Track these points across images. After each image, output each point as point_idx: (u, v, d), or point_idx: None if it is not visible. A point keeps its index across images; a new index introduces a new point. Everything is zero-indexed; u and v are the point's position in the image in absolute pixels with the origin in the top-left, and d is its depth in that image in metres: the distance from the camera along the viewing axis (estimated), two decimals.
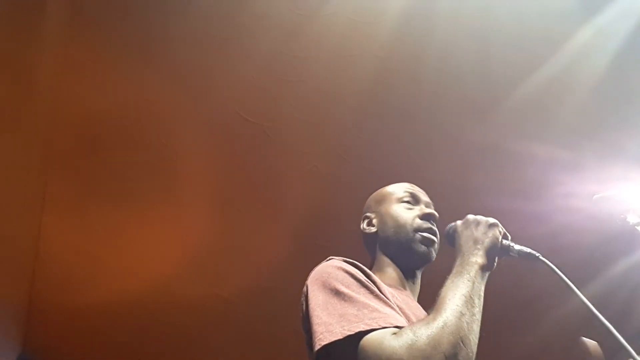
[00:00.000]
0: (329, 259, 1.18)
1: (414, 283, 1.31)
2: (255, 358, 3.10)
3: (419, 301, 1.29)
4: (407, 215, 1.33)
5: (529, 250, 1.15)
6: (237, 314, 2.92)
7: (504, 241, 1.16)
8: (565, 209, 2.51)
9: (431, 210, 1.33)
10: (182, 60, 2.17)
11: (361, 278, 1.07)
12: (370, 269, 1.23)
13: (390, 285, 1.20)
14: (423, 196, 1.40)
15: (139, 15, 2.07)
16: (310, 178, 2.49)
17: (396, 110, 2.29)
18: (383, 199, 1.42)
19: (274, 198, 2.58)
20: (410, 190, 1.40)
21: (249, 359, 3.11)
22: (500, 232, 1.17)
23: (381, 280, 1.17)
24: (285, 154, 2.43)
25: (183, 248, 2.72)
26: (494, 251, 1.13)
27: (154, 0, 2.05)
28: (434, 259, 1.30)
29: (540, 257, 1.14)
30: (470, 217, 1.21)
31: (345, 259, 1.16)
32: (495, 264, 1.14)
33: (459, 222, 1.22)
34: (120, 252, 2.72)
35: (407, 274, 1.30)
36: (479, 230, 1.16)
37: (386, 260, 1.33)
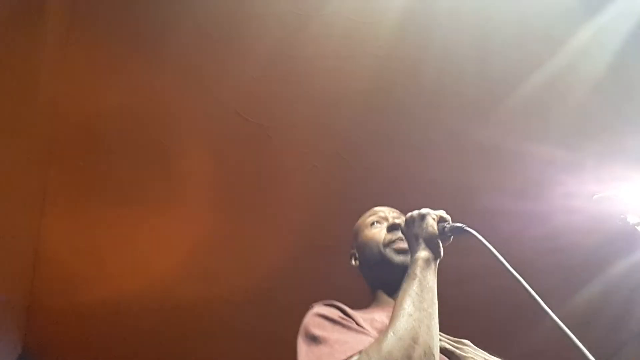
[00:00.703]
0: (311, 307, 1.21)
1: None
2: (255, 358, 3.10)
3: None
4: (376, 234, 1.36)
5: (456, 224, 1.18)
6: (237, 314, 2.92)
7: (439, 224, 1.19)
8: (565, 209, 2.50)
9: (397, 221, 1.34)
10: (182, 60, 2.17)
11: (335, 317, 1.10)
12: (371, 301, 1.30)
13: (383, 309, 1.23)
14: (389, 213, 1.42)
15: (139, 15, 2.07)
16: (310, 178, 2.49)
17: (396, 110, 2.29)
18: (357, 232, 1.46)
19: (274, 198, 2.58)
20: (375, 213, 1.43)
21: (249, 359, 3.11)
22: (434, 219, 1.20)
23: (379, 306, 1.24)
24: (285, 154, 2.43)
25: (183, 248, 2.72)
26: (433, 238, 1.17)
27: (154, 0, 2.05)
28: None
29: (465, 228, 1.16)
30: (407, 215, 1.25)
31: (325, 301, 1.19)
32: (440, 250, 1.17)
33: (402, 226, 1.28)
34: (120, 252, 2.72)
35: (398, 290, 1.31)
36: (416, 225, 1.20)
37: (375, 285, 1.36)
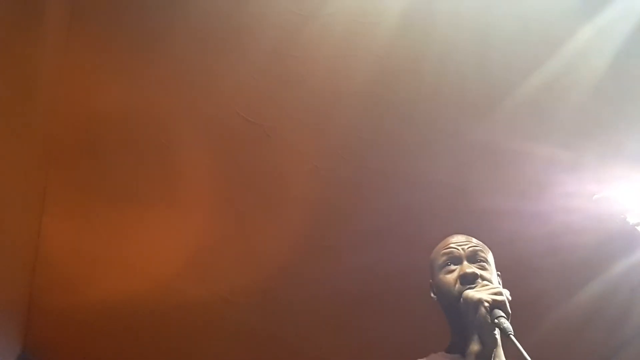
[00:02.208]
0: None
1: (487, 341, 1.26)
2: (255, 358, 3.10)
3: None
4: (449, 282, 1.32)
5: (506, 327, 1.15)
6: (237, 314, 2.92)
7: (493, 315, 1.17)
8: (565, 209, 2.50)
9: (467, 270, 1.30)
10: (182, 60, 2.17)
11: None
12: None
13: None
14: (462, 250, 1.36)
15: (139, 15, 2.07)
16: (310, 178, 2.49)
17: (396, 110, 2.29)
18: (431, 267, 1.42)
19: (274, 198, 2.58)
20: (447, 251, 1.38)
21: (249, 359, 3.11)
22: (486, 308, 1.18)
23: (451, 350, 1.25)
24: (285, 154, 2.43)
25: (183, 248, 2.72)
26: (487, 330, 1.16)
27: (154, 0, 2.05)
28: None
29: (511, 336, 1.14)
30: (462, 301, 1.23)
31: None
32: (497, 339, 1.17)
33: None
34: (121, 252, 2.73)
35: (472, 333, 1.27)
36: (470, 314, 1.19)
37: (453, 325, 1.34)
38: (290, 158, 2.44)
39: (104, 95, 2.26)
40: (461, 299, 1.24)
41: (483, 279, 1.29)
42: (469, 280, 1.28)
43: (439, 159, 2.43)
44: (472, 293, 1.22)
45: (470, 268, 1.30)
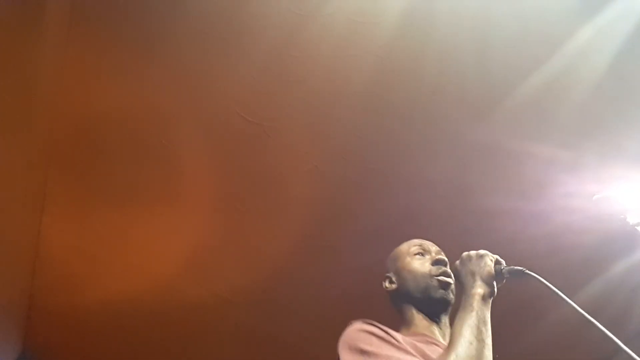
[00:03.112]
0: (351, 324, 1.29)
1: (441, 328, 1.39)
2: (255, 358, 3.10)
3: None
4: (420, 264, 1.44)
5: (516, 268, 1.27)
6: (237, 314, 2.92)
7: (496, 266, 1.29)
8: (565, 209, 2.50)
9: (440, 256, 1.44)
10: (182, 60, 2.17)
11: (380, 334, 1.20)
12: (399, 326, 1.39)
13: (416, 334, 1.33)
14: (432, 246, 1.51)
15: (139, 15, 2.07)
16: (311, 178, 2.49)
17: (396, 110, 2.29)
18: (397, 257, 1.52)
19: (274, 198, 2.58)
20: (419, 244, 1.51)
21: (249, 359, 3.11)
22: (491, 260, 1.30)
23: (411, 331, 1.35)
24: (285, 154, 2.43)
25: (183, 248, 2.72)
26: (490, 278, 1.27)
27: (154, 0, 2.05)
28: (453, 301, 1.40)
29: (526, 271, 1.26)
30: (464, 254, 1.36)
31: (365, 320, 1.28)
32: (495, 289, 1.27)
33: (456, 262, 1.37)
34: (121, 252, 2.73)
35: (434, 319, 1.40)
36: (473, 264, 1.30)
37: (411, 312, 1.43)
38: (290, 158, 2.45)
39: (104, 95, 2.26)
40: (462, 256, 1.36)
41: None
42: (442, 263, 1.41)
43: (439, 159, 2.43)
44: (474, 251, 1.34)
45: (441, 255, 1.46)
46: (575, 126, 2.31)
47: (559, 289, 1.21)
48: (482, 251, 1.33)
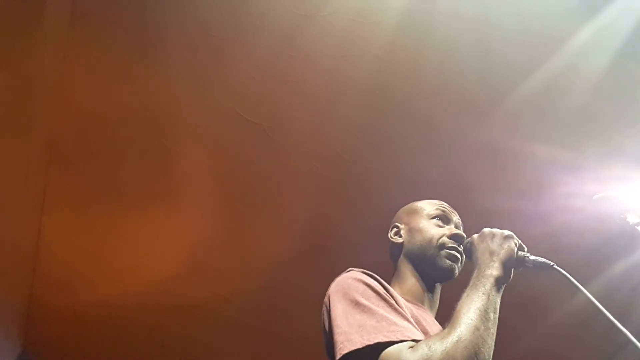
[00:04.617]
0: (349, 270, 1.20)
1: (432, 297, 1.33)
2: (255, 358, 3.10)
3: (437, 318, 1.31)
4: (436, 231, 1.35)
5: (543, 260, 1.18)
6: (237, 314, 2.92)
7: (520, 252, 1.19)
8: (565, 209, 2.50)
9: (459, 231, 1.35)
10: (182, 60, 2.17)
11: (380, 291, 1.10)
12: (391, 278, 1.30)
13: (407, 301, 1.23)
14: (454, 216, 1.42)
15: (139, 15, 2.07)
16: (310, 178, 2.49)
17: (396, 110, 2.29)
18: (414, 212, 1.44)
19: (274, 198, 2.58)
20: (442, 208, 1.42)
21: (249, 359, 3.11)
22: (515, 244, 1.19)
23: (400, 293, 1.24)
24: (285, 154, 2.43)
25: (183, 248, 2.72)
26: (510, 263, 1.16)
27: (153, 0, 2.05)
28: (455, 276, 1.32)
29: (555, 267, 1.16)
30: (486, 230, 1.24)
31: (364, 270, 1.18)
32: (511, 275, 1.16)
33: (475, 236, 1.26)
34: (121, 252, 2.73)
35: (428, 287, 1.33)
36: (495, 243, 1.19)
37: (408, 271, 1.36)
38: (290, 158, 2.45)
39: (104, 96, 2.26)
40: (483, 231, 1.25)
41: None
42: (459, 240, 1.32)
43: (439, 159, 2.43)
44: (499, 229, 1.24)
45: (461, 232, 1.36)
46: (575, 126, 2.31)
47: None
48: (507, 232, 1.22)
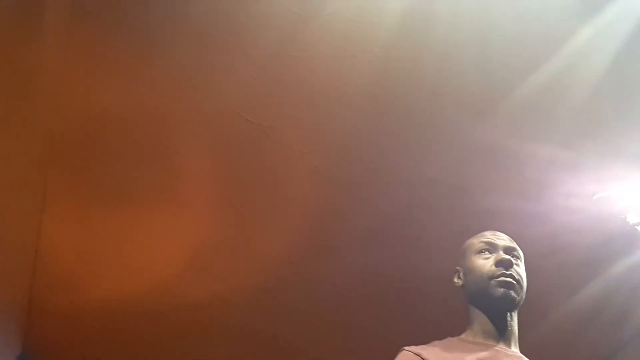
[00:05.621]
0: (402, 350, 1.28)
1: (507, 329, 1.35)
2: (255, 358, 3.10)
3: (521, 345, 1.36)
4: (483, 264, 1.38)
5: None
6: (237, 314, 2.92)
7: None
8: (565, 209, 2.50)
9: (504, 256, 1.37)
10: (182, 60, 2.17)
11: None
12: (467, 325, 1.35)
13: (477, 343, 1.28)
14: (501, 242, 1.44)
15: (140, 15, 2.07)
16: (311, 178, 2.49)
17: (396, 110, 2.29)
18: (464, 252, 1.47)
19: (274, 198, 2.58)
20: (486, 240, 1.44)
21: (248, 359, 3.11)
22: None
23: (472, 336, 1.31)
24: (285, 154, 2.43)
25: (183, 248, 2.72)
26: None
27: (153, 0, 2.05)
28: (517, 301, 1.35)
29: None
30: None
31: (414, 350, 1.26)
32: None
33: None
34: (121, 252, 2.73)
35: (498, 321, 1.35)
36: None
37: (475, 312, 1.38)
38: (290, 158, 2.45)
39: (104, 95, 2.26)
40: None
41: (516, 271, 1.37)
42: (505, 265, 1.34)
43: (439, 159, 2.43)
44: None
45: (507, 256, 1.38)
46: (575, 126, 2.31)
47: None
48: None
